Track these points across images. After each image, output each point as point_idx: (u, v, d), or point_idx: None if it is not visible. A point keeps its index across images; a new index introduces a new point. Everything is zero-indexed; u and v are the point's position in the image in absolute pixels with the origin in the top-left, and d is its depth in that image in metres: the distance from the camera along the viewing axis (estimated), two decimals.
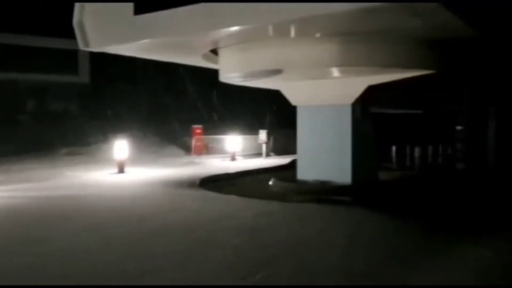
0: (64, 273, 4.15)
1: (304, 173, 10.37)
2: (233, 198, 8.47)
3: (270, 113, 22.23)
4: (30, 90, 23.31)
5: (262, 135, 17.39)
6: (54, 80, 24.44)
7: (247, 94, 17.78)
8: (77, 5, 8.90)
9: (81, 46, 9.13)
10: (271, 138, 18.00)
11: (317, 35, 8.01)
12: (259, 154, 17.53)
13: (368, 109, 10.58)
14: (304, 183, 10.14)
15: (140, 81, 22.12)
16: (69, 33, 9.46)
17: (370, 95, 9.70)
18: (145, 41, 8.46)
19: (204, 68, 11.93)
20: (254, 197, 8.51)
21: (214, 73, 10.68)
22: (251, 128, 18.69)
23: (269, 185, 10.49)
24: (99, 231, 5.78)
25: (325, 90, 9.99)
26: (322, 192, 9.18)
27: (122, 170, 12.16)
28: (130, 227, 6.03)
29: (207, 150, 18.29)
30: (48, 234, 5.61)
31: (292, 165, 12.48)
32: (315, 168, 10.17)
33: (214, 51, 9.82)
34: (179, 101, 22.83)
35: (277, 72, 8.81)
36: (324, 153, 10.08)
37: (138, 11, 8.11)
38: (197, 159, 16.63)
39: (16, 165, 13.62)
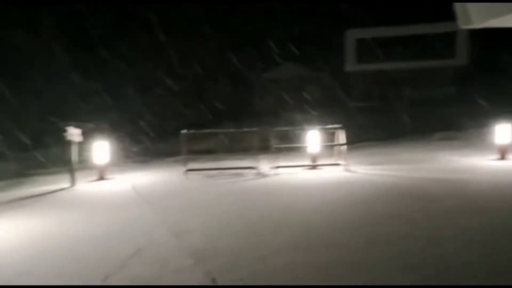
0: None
1: None
2: None
3: None
4: (406, 77, 24.71)
5: None
6: (429, 65, 24.91)
7: None
8: None
9: (462, 25, 8.62)
10: None
11: None
12: None
13: None
14: None
15: None
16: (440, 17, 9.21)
17: None
18: None
19: None
20: None
21: None
22: None
23: None
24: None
25: None
26: None
27: (503, 157, 10.86)
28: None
29: None
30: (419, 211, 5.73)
31: None
32: None
33: None
34: None
35: None
36: None
37: None
38: None
39: (391, 148, 14.64)
